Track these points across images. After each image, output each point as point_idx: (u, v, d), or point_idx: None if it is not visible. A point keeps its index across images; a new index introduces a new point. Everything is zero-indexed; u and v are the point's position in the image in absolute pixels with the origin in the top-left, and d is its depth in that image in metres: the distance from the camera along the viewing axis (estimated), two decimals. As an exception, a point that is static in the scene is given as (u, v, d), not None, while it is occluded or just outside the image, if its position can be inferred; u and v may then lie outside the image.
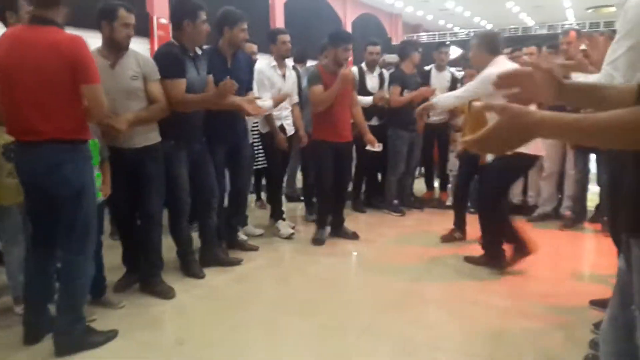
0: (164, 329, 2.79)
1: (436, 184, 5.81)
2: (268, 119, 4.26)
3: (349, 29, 16.22)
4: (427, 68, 5.45)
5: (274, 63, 4.33)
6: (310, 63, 5.60)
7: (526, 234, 3.45)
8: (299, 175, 5.38)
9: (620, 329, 1.26)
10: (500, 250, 3.49)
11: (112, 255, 3.20)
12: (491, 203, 3.45)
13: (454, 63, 5.79)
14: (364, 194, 5.45)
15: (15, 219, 2.72)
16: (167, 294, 3.07)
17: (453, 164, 5.13)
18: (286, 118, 4.49)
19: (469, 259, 3.64)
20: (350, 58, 4.55)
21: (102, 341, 2.48)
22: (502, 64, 3.16)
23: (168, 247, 3.37)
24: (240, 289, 3.26)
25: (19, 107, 2.24)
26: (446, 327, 2.73)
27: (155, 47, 8.79)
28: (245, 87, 3.66)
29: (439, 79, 5.26)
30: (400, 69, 4.96)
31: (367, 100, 4.81)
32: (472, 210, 4.80)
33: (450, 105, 3.64)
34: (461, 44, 11.74)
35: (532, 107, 1.13)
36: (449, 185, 5.42)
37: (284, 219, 4.48)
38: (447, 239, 4.22)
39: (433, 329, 2.70)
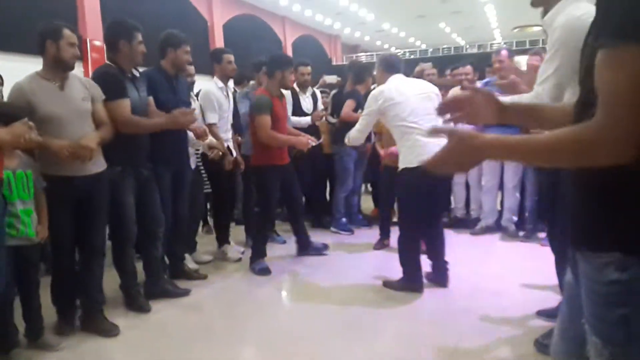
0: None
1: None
2: (216, 138, 4.10)
3: (289, 50, 16.35)
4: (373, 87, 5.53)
5: (221, 84, 4.25)
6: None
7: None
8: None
9: (571, 340, 1.28)
10: (416, 271, 3.46)
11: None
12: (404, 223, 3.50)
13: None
14: (312, 214, 5.42)
15: None
16: (110, 331, 2.90)
17: None
18: (230, 140, 4.40)
19: (386, 284, 3.57)
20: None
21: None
22: (395, 81, 3.43)
23: (108, 280, 3.19)
24: (189, 322, 3.12)
25: None
26: (401, 341, 2.73)
27: (90, 71, 8.50)
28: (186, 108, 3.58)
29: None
30: (355, 89, 4.95)
31: (305, 120, 4.82)
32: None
33: (359, 138, 3.71)
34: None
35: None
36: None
37: (229, 243, 4.38)
38: (378, 246, 4.54)
39: (384, 351, 2.68)
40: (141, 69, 3.32)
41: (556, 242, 2.75)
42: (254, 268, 4.01)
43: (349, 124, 4.49)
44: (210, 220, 5.12)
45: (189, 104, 3.67)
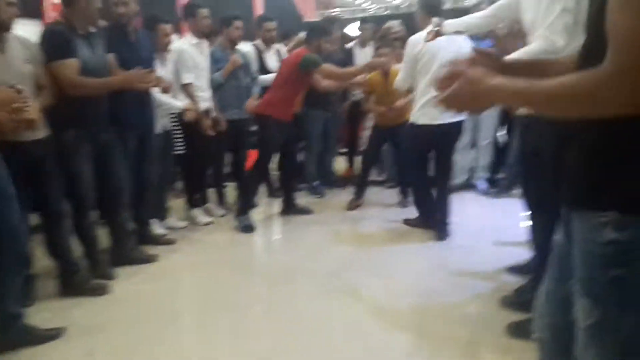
0: (73, 341, 2.47)
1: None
2: (191, 99, 3.94)
3: (260, 5, 15.80)
4: (348, 46, 5.38)
5: (195, 41, 4.04)
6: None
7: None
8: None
9: (557, 302, 1.25)
10: (432, 210, 3.77)
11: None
12: (411, 167, 3.82)
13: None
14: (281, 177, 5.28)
15: None
16: (98, 290, 2.92)
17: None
18: (208, 100, 4.18)
19: (407, 222, 3.98)
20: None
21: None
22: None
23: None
24: (155, 289, 3.04)
25: None
26: (374, 299, 2.72)
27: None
28: (148, 67, 3.36)
29: (364, 55, 5.18)
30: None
31: (272, 77, 4.61)
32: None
33: (402, 86, 3.74)
34: (375, 19, 11.74)
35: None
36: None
37: (199, 206, 4.28)
38: (352, 207, 4.52)
39: (354, 308, 2.66)
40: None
41: (531, 197, 2.71)
42: (239, 224, 4.00)
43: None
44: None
45: (151, 61, 3.47)
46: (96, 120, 3.01)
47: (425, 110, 3.43)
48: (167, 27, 3.75)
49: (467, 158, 4.80)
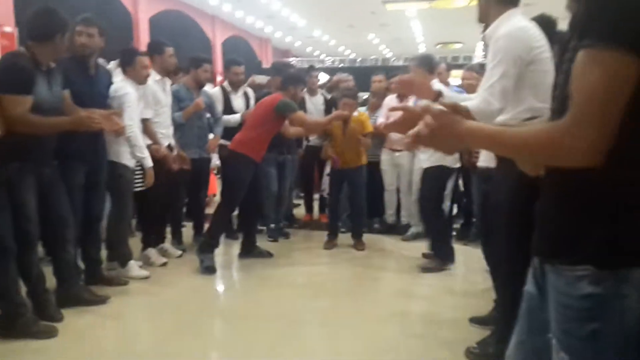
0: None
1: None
2: (150, 135, 3.85)
3: (218, 50, 15.98)
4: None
5: (158, 77, 4.00)
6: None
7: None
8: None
9: (527, 353, 1.25)
10: (450, 246, 4.09)
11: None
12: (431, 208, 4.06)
13: (322, 87, 5.91)
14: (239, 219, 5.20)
15: None
16: (46, 333, 2.72)
17: (324, 184, 5.27)
18: (170, 137, 4.12)
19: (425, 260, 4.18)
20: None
21: None
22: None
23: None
24: (105, 333, 2.86)
25: None
26: (333, 345, 2.65)
27: (-2, 58, 7.73)
28: (103, 102, 3.34)
29: (313, 102, 5.33)
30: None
31: (235, 118, 4.66)
32: (342, 230, 4.94)
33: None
34: (328, 70, 12.21)
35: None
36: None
37: (153, 246, 4.12)
38: (329, 246, 4.62)
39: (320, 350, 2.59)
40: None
41: (491, 252, 2.79)
42: (202, 261, 3.86)
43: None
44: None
45: (106, 97, 3.41)
46: (41, 153, 2.87)
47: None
48: (145, 59, 3.69)
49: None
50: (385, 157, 5.01)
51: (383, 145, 5.00)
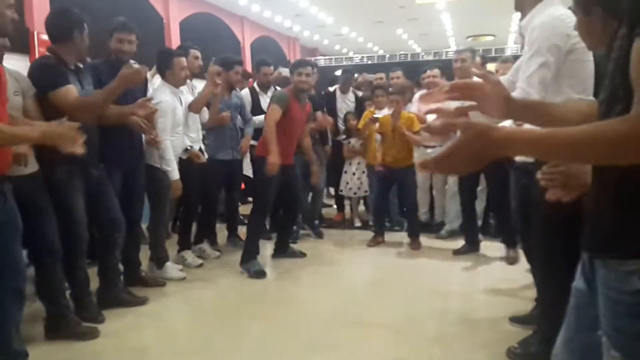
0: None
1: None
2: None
3: (247, 50, 16.09)
4: (331, 89, 5.50)
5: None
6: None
7: None
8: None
9: (576, 351, 1.22)
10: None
11: None
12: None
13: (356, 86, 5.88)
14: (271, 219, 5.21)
15: None
16: (87, 334, 2.77)
17: (345, 184, 5.20)
18: (199, 141, 4.15)
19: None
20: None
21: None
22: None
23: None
24: (145, 333, 2.91)
25: None
26: (370, 345, 2.62)
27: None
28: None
29: (344, 100, 5.32)
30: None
31: (260, 119, 4.64)
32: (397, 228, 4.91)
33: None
34: (357, 68, 12.20)
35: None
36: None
37: (189, 248, 4.18)
38: (373, 244, 4.63)
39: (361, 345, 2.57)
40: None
41: (531, 249, 2.71)
42: (248, 269, 3.86)
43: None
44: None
45: (140, 96, 3.39)
46: (87, 155, 2.93)
47: None
48: (183, 60, 3.72)
49: (459, 205, 4.80)
50: (417, 155, 4.94)
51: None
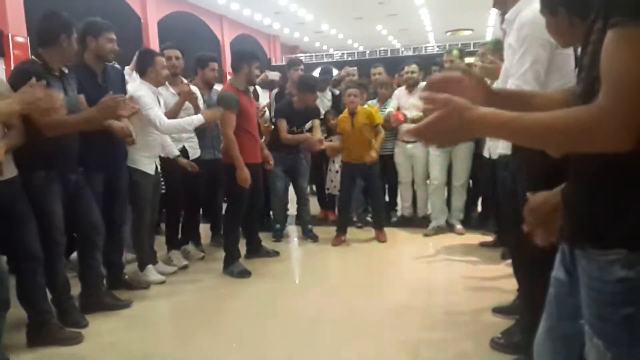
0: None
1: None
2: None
3: (227, 49, 16.00)
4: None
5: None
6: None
7: None
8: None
9: (557, 340, 1.25)
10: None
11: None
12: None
13: (334, 83, 5.86)
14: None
15: None
16: (71, 339, 2.74)
17: (330, 182, 5.20)
18: (189, 140, 4.14)
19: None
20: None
21: None
22: None
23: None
24: (129, 337, 2.89)
25: None
26: (365, 336, 2.65)
27: (12, 68, 7.83)
28: None
29: (322, 98, 5.33)
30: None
31: None
32: (359, 225, 4.92)
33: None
34: (337, 64, 12.22)
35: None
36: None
37: (178, 248, 4.16)
38: (336, 242, 4.53)
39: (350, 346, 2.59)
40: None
41: (511, 241, 2.75)
42: (232, 272, 3.84)
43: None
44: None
45: (119, 92, 3.37)
46: (66, 161, 2.91)
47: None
48: (163, 59, 3.70)
49: (443, 199, 4.85)
50: (398, 150, 4.98)
51: (396, 138, 4.97)
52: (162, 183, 3.88)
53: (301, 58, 15.19)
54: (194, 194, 4.22)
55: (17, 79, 2.67)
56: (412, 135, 1.05)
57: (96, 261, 3.16)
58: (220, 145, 4.35)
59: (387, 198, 5.34)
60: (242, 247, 4.24)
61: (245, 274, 3.83)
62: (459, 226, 4.80)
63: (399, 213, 5.28)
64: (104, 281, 3.38)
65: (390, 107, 4.90)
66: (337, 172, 5.12)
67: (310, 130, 4.67)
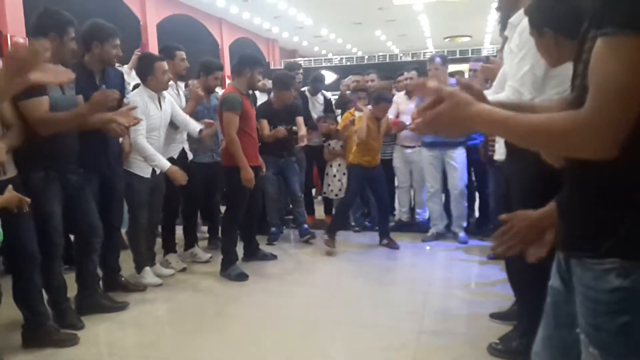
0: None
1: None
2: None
3: (226, 52, 16.02)
4: (302, 89, 5.52)
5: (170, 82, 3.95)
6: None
7: None
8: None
9: (554, 349, 1.24)
10: None
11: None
12: None
13: (330, 87, 5.91)
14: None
15: None
16: (67, 340, 2.72)
17: (327, 186, 5.16)
18: (184, 142, 4.13)
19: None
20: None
21: None
22: None
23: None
24: (125, 340, 2.88)
25: None
26: (353, 345, 2.64)
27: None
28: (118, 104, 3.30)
29: (313, 102, 5.39)
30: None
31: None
32: (357, 229, 4.91)
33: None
34: (335, 69, 12.25)
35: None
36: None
37: (175, 251, 4.16)
38: (331, 244, 4.46)
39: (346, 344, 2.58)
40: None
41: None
42: (229, 275, 3.83)
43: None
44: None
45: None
46: (65, 161, 2.91)
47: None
48: (164, 64, 3.66)
49: (441, 204, 4.83)
50: (397, 155, 4.99)
51: (394, 142, 4.98)
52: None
53: (300, 62, 15.16)
54: (192, 197, 4.21)
55: None
56: (415, 123, 1.07)
57: (93, 263, 3.15)
58: (218, 149, 4.35)
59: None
60: (240, 250, 4.23)
61: (242, 277, 3.82)
62: (462, 234, 4.70)
63: (396, 218, 5.27)
64: (100, 283, 3.37)
65: (389, 114, 4.90)
66: (334, 176, 5.11)
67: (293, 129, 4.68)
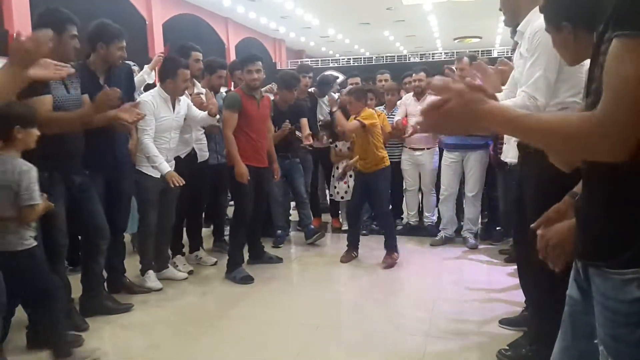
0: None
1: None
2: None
3: (232, 52, 16.01)
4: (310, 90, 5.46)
5: None
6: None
7: None
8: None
9: (574, 359, 1.20)
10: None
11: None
12: None
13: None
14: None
15: None
16: (76, 342, 2.70)
17: (333, 188, 5.09)
18: (199, 141, 4.12)
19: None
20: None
21: None
22: None
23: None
24: (130, 341, 2.85)
25: None
26: (360, 350, 2.60)
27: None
28: (126, 101, 3.24)
29: (320, 103, 5.34)
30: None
31: None
32: (364, 232, 4.83)
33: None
34: (342, 69, 12.20)
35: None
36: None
37: (183, 254, 4.13)
38: (347, 259, 4.25)
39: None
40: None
41: (521, 250, 2.70)
42: (235, 277, 3.80)
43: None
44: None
45: (127, 96, 3.30)
46: (70, 162, 2.89)
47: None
48: (187, 73, 3.62)
49: (453, 209, 4.72)
50: (405, 157, 4.93)
51: (403, 145, 4.92)
52: None
53: (308, 63, 15.11)
54: (197, 198, 4.18)
55: None
56: (423, 120, 1.05)
57: (99, 265, 3.12)
58: (223, 150, 4.32)
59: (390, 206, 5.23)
60: (245, 252, 4.21)
61: (248, 279, 3.79)
62: (472, 240, 4.56)
63: (404, 221, 5.21)
64: (105, 284, 3.35)
65: (398, 115, 4.86)
66: (341, 178, 5.06)
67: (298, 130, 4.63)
